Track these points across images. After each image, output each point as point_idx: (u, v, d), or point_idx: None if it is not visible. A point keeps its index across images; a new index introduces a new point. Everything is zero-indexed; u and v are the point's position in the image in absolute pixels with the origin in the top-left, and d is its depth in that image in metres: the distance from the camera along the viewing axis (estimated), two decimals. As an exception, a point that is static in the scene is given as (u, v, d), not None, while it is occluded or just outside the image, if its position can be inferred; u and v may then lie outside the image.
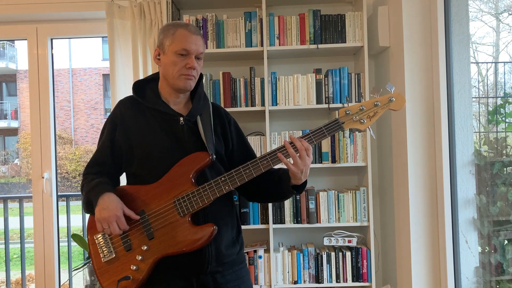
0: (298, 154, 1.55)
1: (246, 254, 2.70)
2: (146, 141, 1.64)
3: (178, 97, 1.70)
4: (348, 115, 1.59)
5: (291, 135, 1.57)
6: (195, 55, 1.64)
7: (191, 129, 1.66)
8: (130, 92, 2.96)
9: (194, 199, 1.57)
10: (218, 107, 1.80)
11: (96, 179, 1.65)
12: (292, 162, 1.56)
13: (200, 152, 1.61)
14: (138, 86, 1.74)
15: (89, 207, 1.64)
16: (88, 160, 1.75)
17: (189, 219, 1.58)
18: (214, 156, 1.62)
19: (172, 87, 1.67)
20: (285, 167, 1.60)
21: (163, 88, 1.71)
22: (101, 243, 1.64)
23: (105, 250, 1.64)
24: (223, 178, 1.58)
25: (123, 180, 1.77)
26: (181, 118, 1.65)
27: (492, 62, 2.60)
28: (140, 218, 1.61)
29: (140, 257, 1.59)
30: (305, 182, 1.64)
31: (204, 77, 1.83)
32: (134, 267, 1.59)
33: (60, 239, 3.32)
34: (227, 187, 1.58)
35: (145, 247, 1.59)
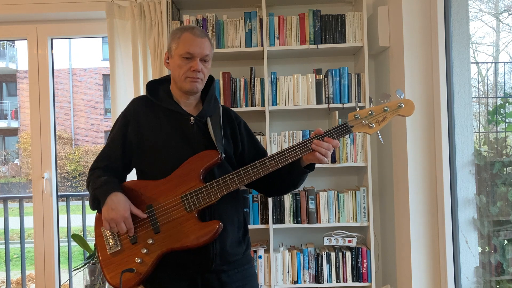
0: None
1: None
2: (157, 138, 1.67)
3: (188, 98, 1.74)
4: (357, 119, 1.60)
5: (316, 141, 1.59)
6: (200, 58, 1.67)
7: (201, 129, 1.69)
8: (130, 92, 2.97)
9: (201, 196, 1.60)
10: (228, 110, 1.83)
11: (103, 176, 1.67)
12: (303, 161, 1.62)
13: (210, 150, 1.64)
14: (152, 86, 1.78)
15: (96, 204, 1.66)
16: (96, 155, 1.76)
17: (196, 215, 1.60)
18: (223, 155, 1.65)
19: (180, 89, 1.72)
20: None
21: (174, 90, 1.75)
22: (107, 235, 1.66)
23: (111, 242, 1.65)
24: (231, 176, 1.61)
25: (129, 177, 1.78)
26: (192, 118, 1.69)
27: (492, 62, 2.59)
28: (148, 212, 1.62)
29: (145, 250, 1.61)
30: None
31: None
32: (139, 260, 1.60)
33: (60, 239, 3.32)
34: (234, 185, 1.60)
35: (151, 241, 1.61)
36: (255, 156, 1.77)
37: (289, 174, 1.70)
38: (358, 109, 1.62)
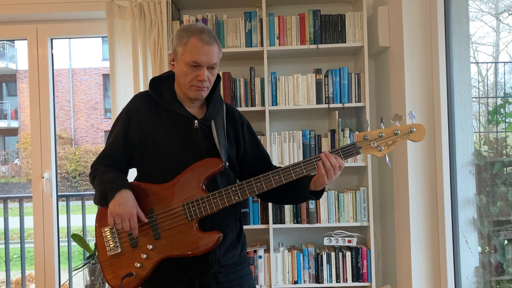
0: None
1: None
2: (160, 139, 1.64)
3: (193, 102, 1.69)
4: (366, 141, 1.57)
5: (326, 152, 1.57)
6: (207, 66, 1.60)
7: (204, 133, 1.65)
8: (130, 92, 2.96)
9: (203, 205, 1.58)
10: (232, 109, 1.78)
11: (111, 172, 1.65)
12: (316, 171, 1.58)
13: (214, 158, 1.61)
14: (155, 83, 1.72)
15: (103, 199, 1.63)
16: (99, 153, 1.74)
17: (197, 224, 1.60)
18: (227, 164, 1.63)
19: (184, 95, 1.66)
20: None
21: (178, 90, 1.70)
22: (108, 236, 1.66)
23: (111, 244, 1.65)
24: (233, 189, 1.59)
25: (131, 175, 1.77)
26: (196, 122, 1.64)
27: (492, 62, 2.60)
28: (149, 217, 1.62)
29: (144, 256, 1.61)
30: (324, 188, 1.64)
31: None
32: (138, 265, 1.61)
33: (60, 239, 3.32)
34: (236, 198, 1.59)
35: (151, 246, 1.61)
36: (258, 157, 1.77)
37: (296, 198, 1.69)
38: (368, 128, 1.60)
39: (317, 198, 1.66)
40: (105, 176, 1.64)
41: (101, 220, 1.67)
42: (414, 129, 1.57)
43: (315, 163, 1.57)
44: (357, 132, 2.78)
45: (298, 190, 1.66)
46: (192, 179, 1.60)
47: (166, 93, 1.69)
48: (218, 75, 1.72)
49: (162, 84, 1.71)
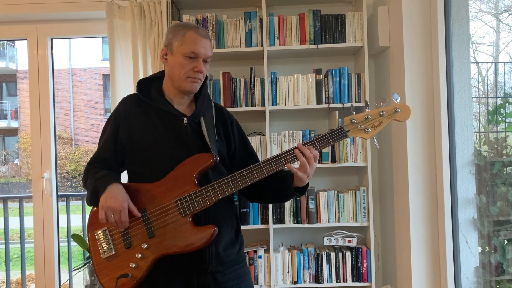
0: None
1: (246, 254, 2.70)
2: (149, 139, 1.64)
3: (183, 98, 1.70)
4: (353, 124, 1.60)
5: (299, 144, 1.59)
6: (203, 58, 1.64)
7: (194, 130, 1.67)
8: (130, 92, 2.96)
9: (196, 200, 1.58)
10: (221, 108, 1.80)
11: (102, 170, 1.66)
12: (297, 166, 1.58)
13: (204, 153, 1.62)
14: (143, 84, 1.73)
15: (94, 196, 1.63)
16: (90, 157, 1.75)
17: (190, 219, 1.59)
18: (218, 158, 1.63)
19: (177, 88, 1.68)
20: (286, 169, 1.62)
21: (168, 88, 1.71)
22: (101, 239, 1.65)
23: (105, 247, 1.64)
24: (225, 181, 1.59)
25: (124, 178, 1.77)
26: (185, 119, 1.66)
27: (492, 62, 2.60)
28: (142, 216, 1.61)
29: (139, 255, 1.60)
30: (307, 184, 1.65)
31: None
32: (133, 265, 1.60)
33: (60, 239, 3.32)
34: (229, 190, 1.59)
35: (145, 245, 1.60)
36: (246, 157, 1.78)
37: (280, 194, 1.71)
38: (354, 113, 1.62)
39: (301, 194, 1.68)
40: (96, 175, 1.65)
41: (93, 224, 1.67)
42: (399, 109, 1.59)
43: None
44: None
45: (283, 187, 1.67)
46: (183, 175, 1.60)
47: (154, 93, 1.70)
48: (206, 76, 1.74)
49: (149, 85, 1.73)
